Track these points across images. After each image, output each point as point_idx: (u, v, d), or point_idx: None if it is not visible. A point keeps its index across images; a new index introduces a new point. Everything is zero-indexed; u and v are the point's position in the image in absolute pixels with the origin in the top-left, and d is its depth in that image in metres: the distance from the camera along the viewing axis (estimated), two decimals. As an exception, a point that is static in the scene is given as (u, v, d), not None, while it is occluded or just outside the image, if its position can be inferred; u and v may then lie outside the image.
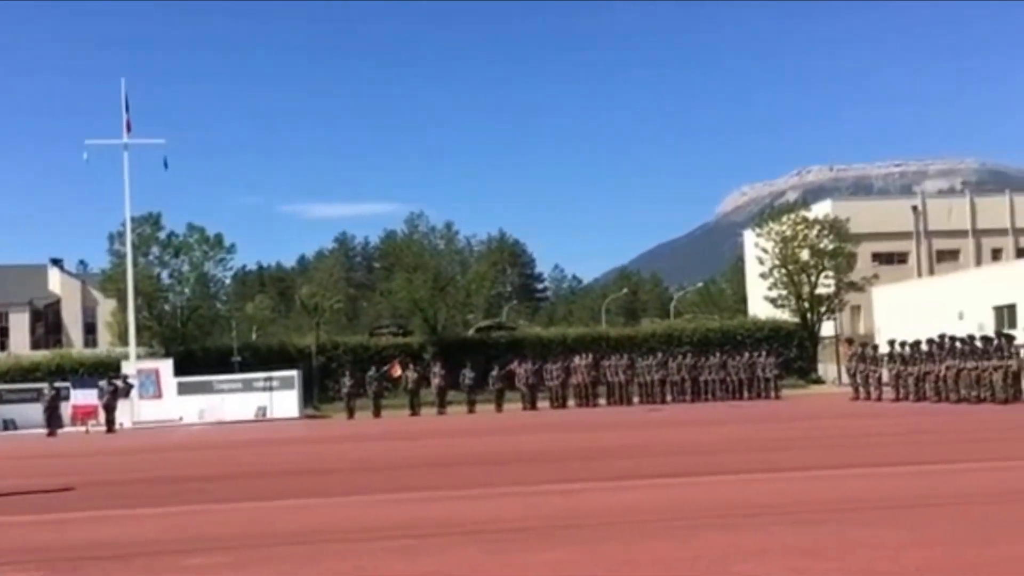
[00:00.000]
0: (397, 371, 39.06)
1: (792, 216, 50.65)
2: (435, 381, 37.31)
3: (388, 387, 39.58)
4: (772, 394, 36.61)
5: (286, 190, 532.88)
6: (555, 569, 6.29)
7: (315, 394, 42.55)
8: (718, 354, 38.26)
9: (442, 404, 36.61)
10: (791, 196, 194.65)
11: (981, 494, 9.13)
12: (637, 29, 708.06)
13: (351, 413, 36.59)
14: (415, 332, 48.27)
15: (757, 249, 50.59)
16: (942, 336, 28.45)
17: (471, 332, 51.94)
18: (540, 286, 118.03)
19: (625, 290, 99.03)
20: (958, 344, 27.32)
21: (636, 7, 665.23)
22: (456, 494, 10.71)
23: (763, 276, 49.64)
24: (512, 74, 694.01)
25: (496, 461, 15.16)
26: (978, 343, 26.67)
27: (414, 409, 36.43)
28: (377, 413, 36.27)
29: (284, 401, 37.63)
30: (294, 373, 38.71)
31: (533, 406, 36.31)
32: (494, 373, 37.19)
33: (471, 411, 35.81)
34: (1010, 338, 26.26)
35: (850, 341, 44.31)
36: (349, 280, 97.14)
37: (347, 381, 37.65)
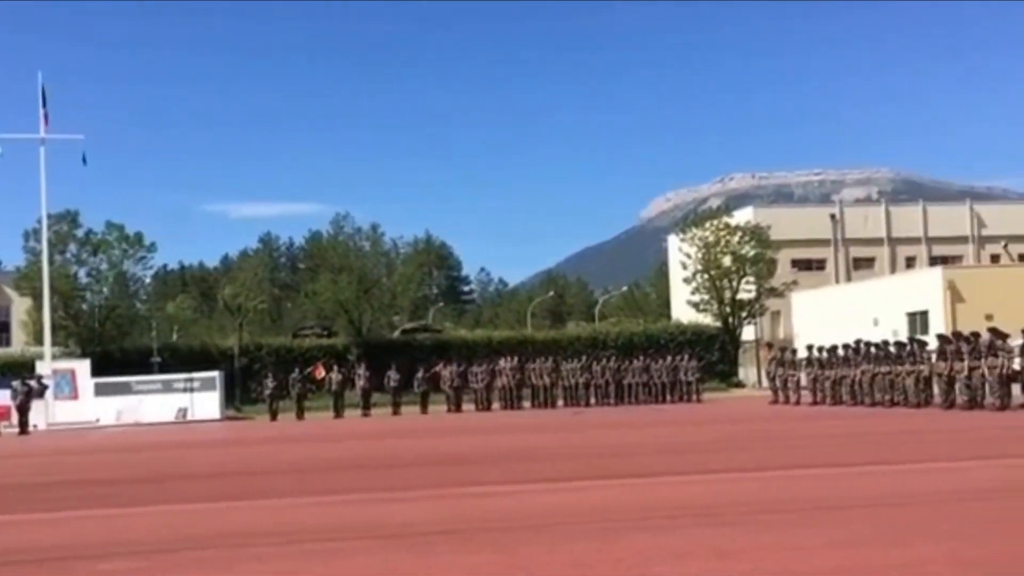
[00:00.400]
0: (321, 372, 38.73)
1: (715, 222, 51.46)
2: (359, 383, 37.07)
3: (312, 389, 39.22)
4: (694, 397, 37.10)
5: (209, 189, 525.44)
6: (478, 571, 6.29)
7: (237, 396, 41.98)
8: (641, 357, 38.65)
9: (366, 406, 36.39)
10: (714, 203, 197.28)
11: (893, 495, 9.36)
12: (565, 35, 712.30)
13: (274, 415, 36.16)
14: (340, 333, 47.91)
15: (681, 254, 51.28)
16: (858, 341, 29.12)
17: (396, 334, 51.72)
18: (466, 289, 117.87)
19: (551, 293, 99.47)
20: (873, 349, 27.98)
21: (566, 8, 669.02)
22: (379, 496, 10.65)
23: (686, 281, 50.33)
24: (438, 78, 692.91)
25: (420, 463, 15.11)
26: (892, 349, 27.35)
27: (338, 411, 36.14)
28: (300, 415, 35.91)
29: (205, 403, 37.05)
30: (216, 374, 38.14)
31: (458, 408, 36.28)
32: (419, 375, 37.08)
33: (396, 413, 35.65)
34: (922, 344, 26.96)
35: (770, 345, 45.09)
36: (273, 281, 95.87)
37: (270, 383, 37.21)
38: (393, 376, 37.04)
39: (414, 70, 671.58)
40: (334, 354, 43.16)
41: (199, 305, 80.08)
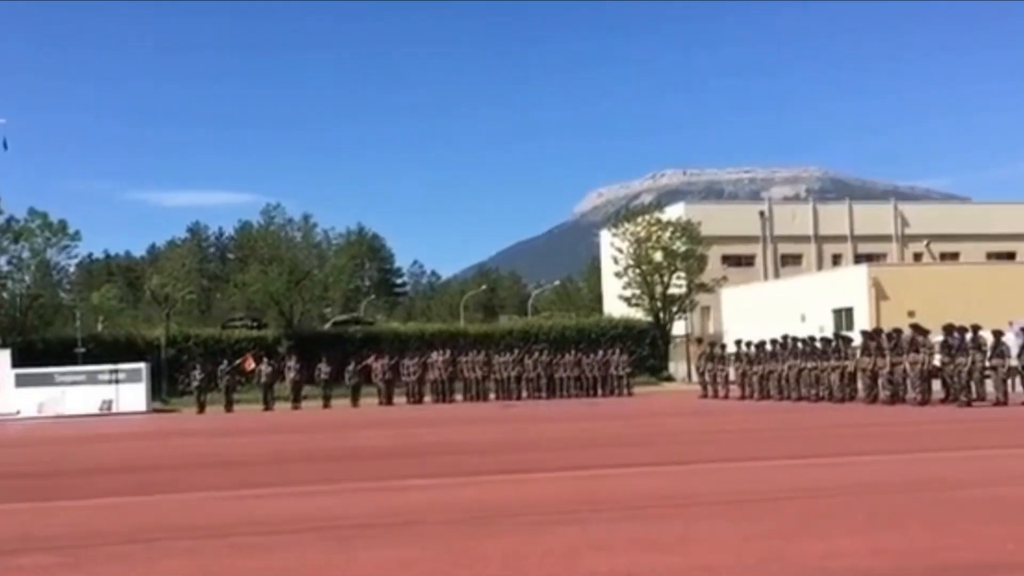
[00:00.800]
0: (250, 364, 38.28)
1: (646, 218, 51.89)
2: (290, 375, 36.73)
3: (241, 381, 38.75)
4: (624, 391, 37.42)
5: (135, 176, 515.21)
6: (405, 566, 6.28)
7: (164, 388, 41.28)
8: (573, 351, 38.86)
9: (296, 398, 36.08)
10: (646, 198, 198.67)
11: (815, 488, 9.55)
12: (499, 31, 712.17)
13: (202, 407, 35.67)
14: (270, 325, 47.36)
15: (612, 249, 51.63)
16: (785, 337, 29.63)
17: (328, 326, 51.30)
18: (399, 281, 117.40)
19: (484, 287, 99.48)
20: (800, 345, 28.50)
21: (502, 5, 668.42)
22: (307, 490, 10.57)
23: (618, 276, 50.69)
24: (371, 69, 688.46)
25: (349, 457, 15.03)
26: (818, 344, 27.89)
27: (267, 403, 35.78)
28: (229, 407, 35.48)
29: (131, 394, 36.36)
30: (142, 366, 37.45)
31: (389, 401, 36.14)
32: (350, 368, 36.85)
33: (326, 406, 35.40)
34: (847, 340, 27.53)
35: (700, 340, 45.69)
36: (202, 271, 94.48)
37: (198, 374, 36.67)
38: (324, 368, 36.75)
39: (346, 62, 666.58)
40: (264, 346, 42.66)
41: (125, 295, 78.51)
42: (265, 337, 45.08)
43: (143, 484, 11.78)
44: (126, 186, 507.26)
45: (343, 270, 49.66)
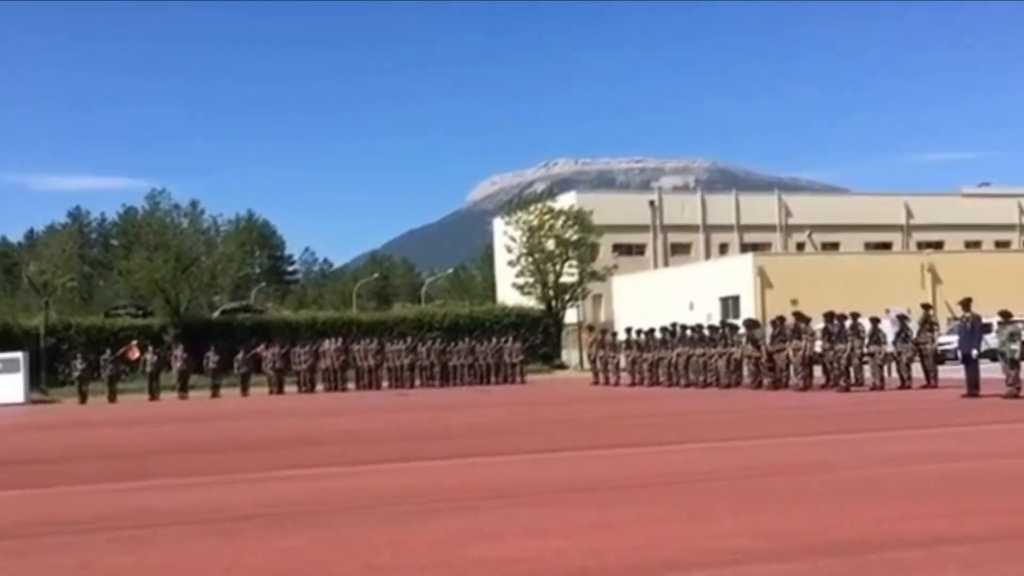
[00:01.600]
0: (135, 353, 37.21)
1: (539, 206, 52.15)
2: (177, 364, 35.82)
3: (125, 370, 37.64)
4: (518, 379, 37.62)
5: (12, 159, 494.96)
6: (292, 556, 6.19)
7: (43, 378, 39.84)
8: (467, 339, 38.87)
9: (183, 388, 35.22)
10: (539, 187, 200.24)
11: (700, 472, 9.75)
12: (396, 21, 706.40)
13: (83, 398, 34.55)
14: (156, 313, 46.10)
15: (506, 238, 51.78)
16: (674, 325, 30.17)
17: (216, 314, 50.20)
18: (290, 269, 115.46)
19: (377, 275, 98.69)
20: (688, 332, 29.05)
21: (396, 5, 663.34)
22: (191, 481, 10.34)
23: (511, 264, 50.88)
24: (261, 55, 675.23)
25: (235, 447, 14.76)
26: (706, 332, 28.47)
27: (153, 393, 34.85)
28: (112, 398, 34.44)
29: (7, 385, 34.95)
30: (19, 355, 36.04)
31: (280, 390, 35.59)
32: (240, 357, 36.16)
33: (215, 395, 34.68)
34: (734, 328, 28.17)
35: (591, 328, 46.17)
36: (83, 257, 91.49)
37: (79, 364, 35.46)
38: (212, 357, 35.98)
39: (236, 47, 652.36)
40: (149, 334, 41.50)
41: (1, 283, 75.67)
42: (151, 325, 43.87)
43: (21, 477, 11.36)
44: (1, 169, 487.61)
45: (232, 257, 48.66)
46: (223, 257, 47.16)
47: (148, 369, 35.78)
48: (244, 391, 35.22)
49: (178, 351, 36.28)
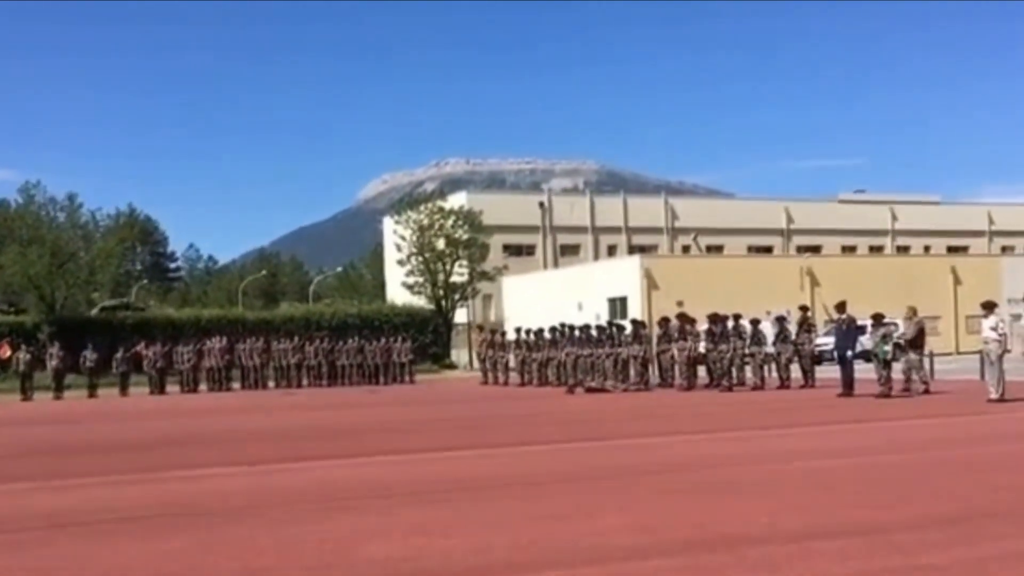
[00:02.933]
0: (6, 352, 35.82)
1: (429, 206, 52.01)
2: (51, 363, 34.57)
3: (-4, 370, 36.19)
4: (407, 378, 37.45)
5: None
6: (172, 558, 6.04)
7: (-94, 377, 37.99)
8: (355, 338, 38.52)
9: (59, 388, 34.01)
10: (429, 186, 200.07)
11: (585, 470, 9.88)
12: (285, 16, 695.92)
13: (-50, 398, 33.07)
14: (30, 310, 44.42)
15: (396, 236, 51.48)
16: (562, 325, 30.43)
17: (95, 311, 48.64)
18: (173, 265, 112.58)
19: (264, 272, 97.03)
20: (576, 332, 29.32)
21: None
22: (68, 483, 10.00)
23: (401, 263, 50.64)
24: (145, 43, 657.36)
25: (115, 448, 14.32)
26: (593, 332, 28.78)
27: (26, 393, 33.55)
28: (-19, 398, 33.05)
29: None
30: None
31: (162, 390, 34.67)
32: (119, 355, 35.09)
33: (92, 395, 33.56)
34: (620, 328, 28.53)
35: (481, 328, 46.27)
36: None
37: (-54, 363, 33.95)
38: (89, 356, 34.81)
39: (120, 28, 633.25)
40: (23, 332, 40.01)
41: None
42: (24, 323, 42.27)
43: None
44: None
45: (112, 253, 47.00)
46: (102, 253, 45.58)
47: (21, 368, 34.43)
48: (124, 391, 34.21)
49: (53, 349, 35.04)
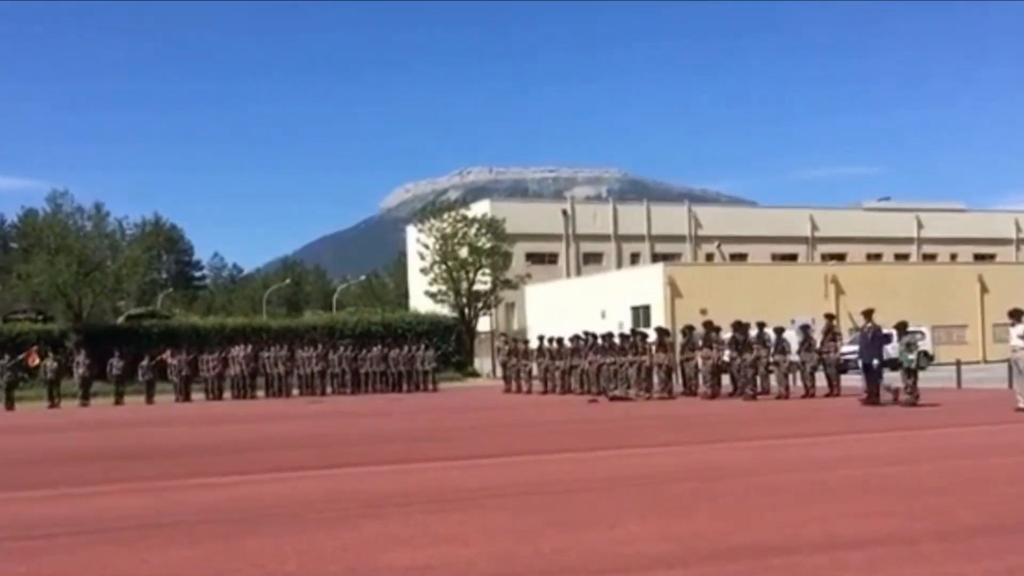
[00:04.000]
0: (35, 359, 36.04)
1: (453, 214, 52.06)
2: (79, 371, 34.80)
3: (24, 376, 36.43)
4: (430, 387, 37.45)
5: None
6: (192, 565, 6.06)
7: (-65, 384, 38.32)
8: (379, 347, 38.58)
9: (85, 395, 34.24)
10: (453, 195, 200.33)
11: (608, 479, 9.83)
12: (310, 24, 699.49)
13: (-22, 405, 33.33)
14: (57, 318, 44.79)
15: (419, 245, 51.60)
16: (586, 333, 30.38)
17: (121, 320, 48.99)
18: (198, 274, 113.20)
19: (288, 281, 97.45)
20: (600, 340, 29.27)
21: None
22: (92, 490, 10.06)
23: (424, 271, 50.72)
24: (169, 56, 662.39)
25: (139, 455, 14.38)
26: (616, 340, 28.71)
27: (53, 400, 33.79)
28: (10, 405, 33.29)
29: None
30: (-89, 361, 34.62)
31: (187, 398, 34.83)
32: (145, 363, 35.29)
33: (119, 403, 33.75)
34: (644, 336, 28.47)
35: (503, 336, 46.25)
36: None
37: (-25, 370, 34.20)
38: (116, 364, 35.03)
39: (144, 43, 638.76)
40: (50, 340, 40.30)
41: None
42: (51, 331, 42.61)
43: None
44: None
45: (138, 261, 47.34)
46: (128, 261, 45.91)
47: (48, 376, 34.70)
48: (149, 398, 34.40)
49: (80, 357, 35.27)
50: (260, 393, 35.88)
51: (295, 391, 36.33)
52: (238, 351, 36.33)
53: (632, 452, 12.58)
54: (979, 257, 64.37)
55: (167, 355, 35.90)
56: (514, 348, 34.51)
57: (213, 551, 6.48)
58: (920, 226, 68.84)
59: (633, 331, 29.24)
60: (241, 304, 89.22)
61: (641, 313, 47.10)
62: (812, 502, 7.93)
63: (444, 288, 49.65)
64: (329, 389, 36.58)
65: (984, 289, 50.11)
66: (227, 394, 35.54)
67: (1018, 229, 71.13)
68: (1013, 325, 18.18)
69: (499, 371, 39.56)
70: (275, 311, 77.75)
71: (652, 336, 27.70)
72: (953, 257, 65.06)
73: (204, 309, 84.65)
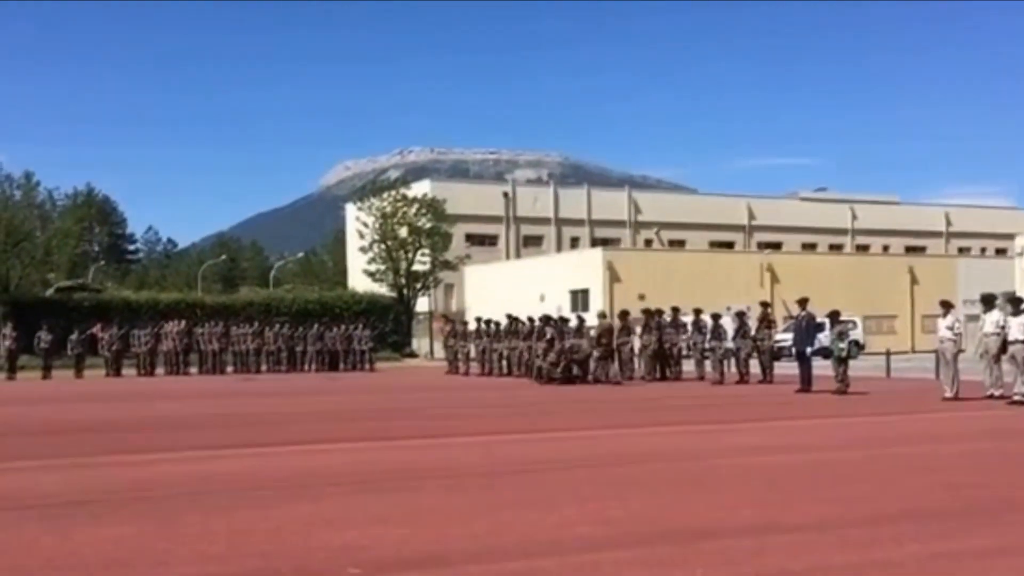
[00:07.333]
0: (-41, 332, 35.14)
1: (393, 193, 51.78)
2: (5, 344, 34.02)
3: (-54, 350, 35.50)
4: (367, 366, 37.26)
5: None
6: (122, 544, 5.93)
7: None
8: (316, 325, 38.25)
9: (12, 369, 33.50)
10: (393, 174, 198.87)
11: (542, 461, 9.85)
12: (257, 3, 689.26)
13: (-101, 378, 32.42)
14: (-18, 290, 43.73)
15: (358, 223, 51.25)
16: (530, 317, 30.40)
17: (50, 292, 47.97)
18: (131, 248, 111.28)
19: (224, 257, 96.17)
20: (538, 324, 29.29)
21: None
22: (16, 466, 9.83)
23: (363, 250, 50.41)
24: (112, 26, 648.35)
25: (68, 430, 14.09)
26: (538, 324, 28.72)
27: (-23, 374, 33.02)
28: (-69, 378, 32.47)
29: None
30: None
31: (117, 373, 34.25)
32: (74, 337, 34.60)
33: (46, 377, 33.07)
34: (582, 320, 28.58)
35: (444, 317, 46.15)
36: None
37: None
38: (44, 337, 34.31)
39: (85, 14, 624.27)
40: (-25, 312, 39.30)
41: None
42: (-24, 303, 41.57)
43: None
44: None
45: (69, 233, 46.56)
46: (59, 232, 45.07)
47: (-27, 349, 33.88)
48: (78, 373, 33.75)
49: (6, 329, 34.49)
50: (193, 370, 35.42)
51: (229, 368, 35.92)
52: (172, 327, 35.81)
53: (568, 435, 12.63)
54: (910, 249, 65.72)
55: (97, 329, 35.25)
56: (454, 329, 34.45)
57: (142, 529, 6.36)
58: (854, 217, 70.05)
59: (556, 317, 29.25)
60: (175, 279, 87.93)
61: (580, 297, 47.32)
62: (744, 487, 8.02)
63: (383, 267, 49.41)
64: (264, 367, 36.23)
65: (914, 280, 51.24)
66: (160, 370, 35.02)
67: (948, 223, 72.74)
68: (942, 316, 18.59)
69: (437, 352, 39.48)
70: (210, 287, 76.69)
71: (589, 321, 27.79)
72: (885, 248, 66.35)
73: (137, 283, 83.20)
